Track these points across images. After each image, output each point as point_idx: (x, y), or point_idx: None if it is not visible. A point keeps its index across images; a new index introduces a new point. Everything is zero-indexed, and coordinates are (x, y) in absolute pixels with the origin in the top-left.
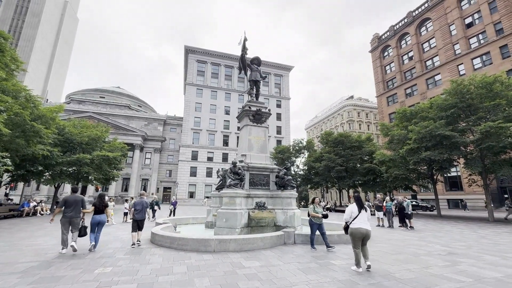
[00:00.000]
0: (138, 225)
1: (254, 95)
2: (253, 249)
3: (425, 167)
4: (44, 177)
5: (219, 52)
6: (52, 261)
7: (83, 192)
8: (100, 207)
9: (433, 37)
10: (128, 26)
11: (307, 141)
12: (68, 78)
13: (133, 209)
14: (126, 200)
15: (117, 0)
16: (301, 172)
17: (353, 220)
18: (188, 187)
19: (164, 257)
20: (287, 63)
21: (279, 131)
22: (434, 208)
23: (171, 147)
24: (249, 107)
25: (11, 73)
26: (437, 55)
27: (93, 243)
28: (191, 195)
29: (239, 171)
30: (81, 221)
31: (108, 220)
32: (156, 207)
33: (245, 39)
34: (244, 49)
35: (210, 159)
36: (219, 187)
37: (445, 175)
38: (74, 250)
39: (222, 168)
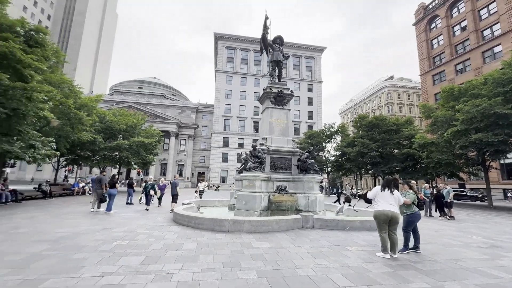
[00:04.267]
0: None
1: (276, 76)
2: (268, 231)
3: (475, 152)
4: (92, 161)
5: (247, 37)
6: (81, 232)
7: (128, 175)
8: (112, 184)
9: (493, 1)
10: (165, 18)
11: (339, 125)
12: (111, 72)
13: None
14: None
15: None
16: (332, 158)
17: (377, 203)
18: (220, 172)
19: (179, 234)
20: (319, 45)
21: (310, 116)
22: (486, 198)
23: (204, 134)
24: (270, 89)
25: (56, 66)
26: (497, 22)
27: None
28: (223, 180)
29: (259, 154)
30: (103, 192)
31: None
32: (153, 192)
33: (266, 18)
34: (265, 28)
35: (240, 145)
36: (241, 171)
37: (501, 161)
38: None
39: (245, 152)
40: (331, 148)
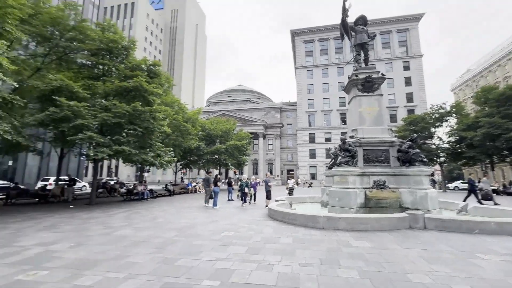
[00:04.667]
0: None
1: (361, 61)
2: (366, 230)
3: None
4: (199, 165)
5: (324, 25)
6: (197, 223)
7: (226, 175)
8: (215, 182)
9: None
10: (245, 28)
11: (452, 104)
12: (207, 85)
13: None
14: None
15: (232, 10)
16: (446, 146)
17: None
18: (308, 168)
19: (275, 229)
20: (414, 12)
21: (409, 99)
22: None
23: (289, 132)
24: (356, 76)
25: (168, 90)
26: None
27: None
28: (312, 176)
29: (349, 147)
30: (209, 190)
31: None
32: (247, 190)
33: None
34: (344, 11)
35: (328, 140)
36: (331, 166)
37: None
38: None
39: (334, 147)
40: (442, 134)
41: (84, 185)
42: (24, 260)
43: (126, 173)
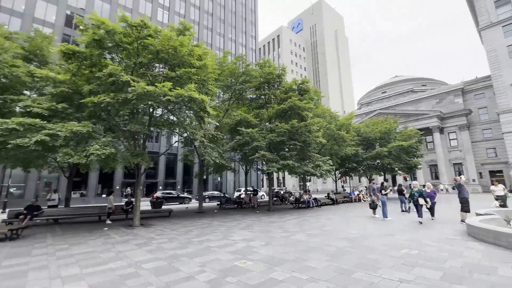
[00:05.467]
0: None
1: None
2: None
3: None
4: (358, 171)
5: None
6: (367, 235)
7: (394, 181)
8: (381, 191)
9: None
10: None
11: None
12: (355, 88)
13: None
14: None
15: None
16: None
17: None
18: None
19: (485, 253)
20: None
21: None
22: None
23: (483, 118)
24: None
25: (318, 102)
26: None
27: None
28: None
29: None
30: (375, 199)
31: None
32: (422, 201)
33: None
34: None
35: None
36: None
37: None
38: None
39: None
40: None
41: (263, 194)
42: (236, 251)
43: (291, 183)
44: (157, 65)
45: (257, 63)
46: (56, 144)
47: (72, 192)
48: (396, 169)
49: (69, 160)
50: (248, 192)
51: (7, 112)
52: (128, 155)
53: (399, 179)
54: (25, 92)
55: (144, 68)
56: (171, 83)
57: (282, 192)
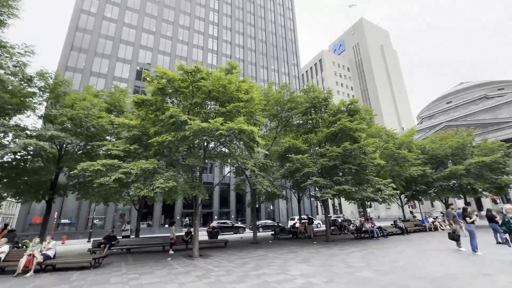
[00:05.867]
0: None
1: None
2: None
3: None
4: (429, 194)
5: None
6: (454, 274)
7: (479, 205)
8: (463, 218)
9: None
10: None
11: None
12: (412, 102)
13: None
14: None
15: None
16: None
17: None
18: None
19: None
20: None
21: None
22: None
23: None
24: None
25: (370, 121)
26: None
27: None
28: None
29: None
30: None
31: None
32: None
33: None
34: None
35: None
36: None
37: None
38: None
39: None
40: None
41: (318, 223)
42: (296, 287)
43: (349, 209)
44: (209, 102)
45: (302, 89)
46: (129, 181)
47: (140, 222)
48: (480, 190)
49: (139, 194)
50: (302, 221)
51: (94, 156)
52: (187, 187)
53: (486, 202)
54: (107, 137)
55: (198, 107)
56: (222, 118)
57: (340, 220)
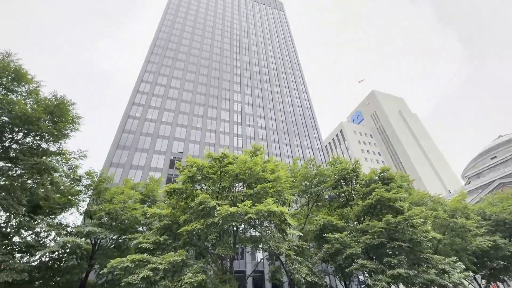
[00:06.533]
0: None
1: None
2: None
3: None
4: None
5: None
6: None
7: None
8: None
9: None
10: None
11: None
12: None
13: None
14: None
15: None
16: None
17: None
18: None
19: None
20: None
21: None
22: None
23: None
24: None
25: (409, 187)
26: None
27: None
28: None
29: None
30: None
31: None
32: None
33: None
34: None
35: None
36: None
37: None
38: None
39: None
40: None
41: None
42: None
43: None
44: (236, 185)
45: (328, 162)
46: (156, 278)
47: None
48: None
49: None
50: None
51: (125, 249)
52: (217, 281)
53: None
54: (139, 228)
55: (226, 191)
56: (251, 201)
57: None
